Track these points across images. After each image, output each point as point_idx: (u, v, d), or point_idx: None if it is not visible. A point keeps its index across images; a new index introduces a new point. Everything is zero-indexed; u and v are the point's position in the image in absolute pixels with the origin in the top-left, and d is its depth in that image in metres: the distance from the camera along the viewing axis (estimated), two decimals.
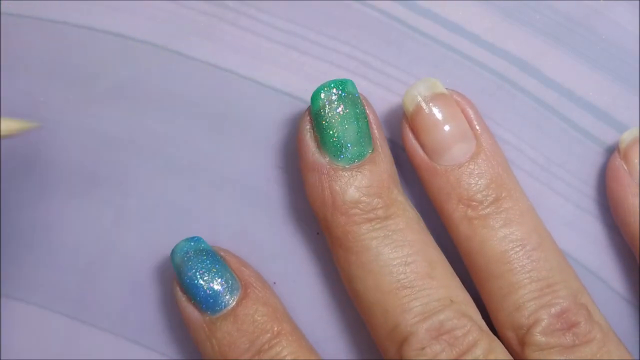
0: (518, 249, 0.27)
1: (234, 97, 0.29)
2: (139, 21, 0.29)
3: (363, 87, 0.29)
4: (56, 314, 0.29)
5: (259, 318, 0.27)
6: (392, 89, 0.30)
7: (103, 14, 0.29)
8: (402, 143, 0.28)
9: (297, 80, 0.29)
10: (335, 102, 0.27)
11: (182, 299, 0.27)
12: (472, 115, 0.28)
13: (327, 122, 0.27)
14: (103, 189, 0.29)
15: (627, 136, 0.28)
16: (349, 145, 0.27)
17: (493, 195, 0.27)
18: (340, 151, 0.27)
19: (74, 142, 0.29)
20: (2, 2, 0.30)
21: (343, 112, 0.27)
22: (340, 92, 0.27)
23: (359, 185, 0.27)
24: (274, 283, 0.29)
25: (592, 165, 0.30)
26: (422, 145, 0.28)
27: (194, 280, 0.27)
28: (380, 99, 0.29)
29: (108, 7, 0.29)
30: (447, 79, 0.30)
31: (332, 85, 0.27)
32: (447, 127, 0.27)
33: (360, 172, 0.27)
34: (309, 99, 0.27)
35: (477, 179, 0.27)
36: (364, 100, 0.28)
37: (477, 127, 0.28)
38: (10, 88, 0.29)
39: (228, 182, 0.29)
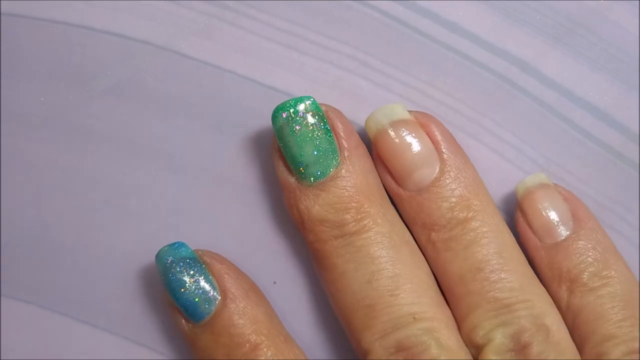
0: (476, 272, 0.27)
1: (234, 97, 0.29)
2: (139, 21, 0.29)
3: (363, 87, 0.29)
4: (56, 313, 0.29)
5: (234, 331, 0.27)
6: (392, 89, 0.30)
7: (103, 14, 0.29)
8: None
9: (297, 80, 0.29)
10: (292, 122, 0.27)
11: (170, 305, 0.27)
12: (438, 137, 0.28)
13: (285, 144, 0.27)
14: (103, 188, 0.29)
15: (520, 187, 0.28)
16: (307, 164, 0.27)
17: (457, 218, 0.27)
18: (300, 171, 0.27)
19: (74, 141, 0.29)
20: (2, 2, 0.30)
21: (299, 131, 0.27)
22: (293, 112, 0.27)
23: (323, 203, 0.27)
24: (274, 283, 0.29)
25: (592, 165, 0.30)
26: (388, 171, 0.28)
27: (174, 290, 0.27)
28: (380, 99, 0.29)
29: (108, 7, 0.29)
30: (447, 79, 0.30)
31: (288, 105, 0.27)
32: (407, 154, 0.27)
33: (323, 190, 0.27)
34: None
35: (439, 203, 0.27)
36: (330, 113, 0.27)
37: (443, 149, 0.27)
38: (10, 88, 0.29)
39: (228, 182, 0.29)
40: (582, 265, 0.27)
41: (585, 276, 0.27)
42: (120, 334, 0.29)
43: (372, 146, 0.28)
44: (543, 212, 0.28)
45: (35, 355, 0.29)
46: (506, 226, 0.28)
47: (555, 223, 0.28)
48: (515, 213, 0.28)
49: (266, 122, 0.29)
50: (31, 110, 0.29)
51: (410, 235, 0.28)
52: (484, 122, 0.30)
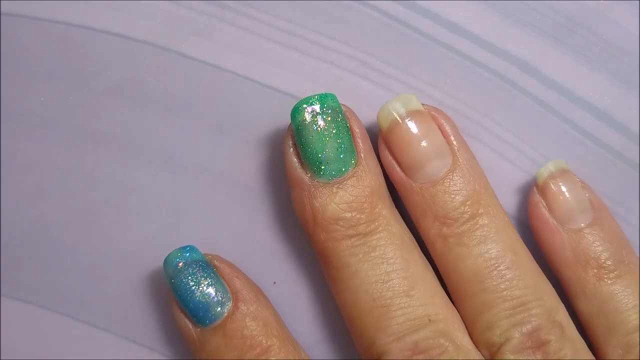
0: (492, 268, 0.27)
1: (234, 97, 0.29)
2: (139, 21, 0.29)
3: (363, 87, 0.29)
4: (56, 314, 0.29)
5: (247, 333, 0.27)
6: (392, 89, 0.30)
7: (103, 14, 0.29)
8: (380, 158, 0.28)
9: (297, 80, 0.29)
10: (315, 118, 0.27)
11: (176, 308, 0.27)
12: (449, 131, 0.28)
13: (305, 139, 0.27)
14: (103, 188, 0.29)
15: (543, 172, 0.28)
16: (328, 161, 0.27)
17: (469, 212, 0.27)
18: (320, 167, 0.27)
19: (74, 141, 0.29)
20: (2, 2, 0.30)
21: (322, 128, 0.27)
22: (319, 108, 0.27)
23: (339, 201, 0.27)
24: (274, 283, 0.29)
25: (592, 165, 0.30)
26: (398, 162, 0.27)
27: (184, 293, 0.27)
28: (380, 99, 0.29)
29: (108, 7, 0.29)
30: (447, 79, 0.30)
31: (312, 100, 0.27)
32: (421, 145, 0.27)
33: (341, 188, 0.27)
34: None
35: (452, 196, 0.27)
36: (348, 113, 0.27)
37: (454, 143, 0.28)
38: (10, 88, 0.29)
39: (228, 182, 0.29)
40: (607, 253, 0.27)
41: (612, 263, 0.27)
42: (120, 334, 0.29)
43: (382, 136, 0.28)
44: (568, 197, 0.28)
45: (35, 355, 0.29)
46: (511, 222, 0.28)
47: (579, 209, 0.28)
48: (531, 197, 0.28)
49: (266, 122, 0.29)
50: (31, 110, 0.29)
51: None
52: (484, 122, 0.30)
